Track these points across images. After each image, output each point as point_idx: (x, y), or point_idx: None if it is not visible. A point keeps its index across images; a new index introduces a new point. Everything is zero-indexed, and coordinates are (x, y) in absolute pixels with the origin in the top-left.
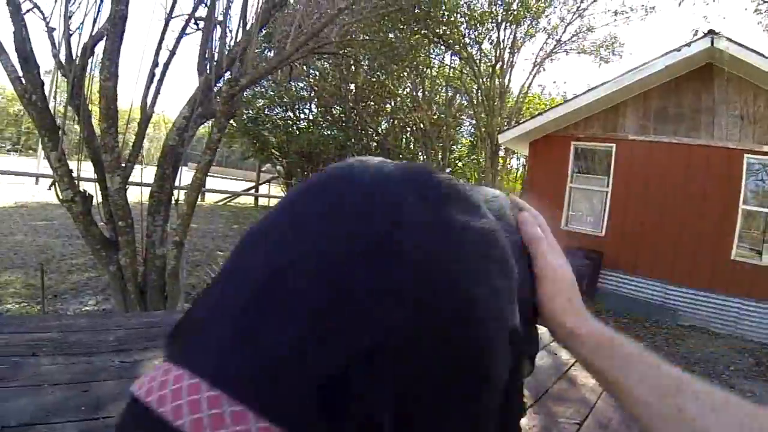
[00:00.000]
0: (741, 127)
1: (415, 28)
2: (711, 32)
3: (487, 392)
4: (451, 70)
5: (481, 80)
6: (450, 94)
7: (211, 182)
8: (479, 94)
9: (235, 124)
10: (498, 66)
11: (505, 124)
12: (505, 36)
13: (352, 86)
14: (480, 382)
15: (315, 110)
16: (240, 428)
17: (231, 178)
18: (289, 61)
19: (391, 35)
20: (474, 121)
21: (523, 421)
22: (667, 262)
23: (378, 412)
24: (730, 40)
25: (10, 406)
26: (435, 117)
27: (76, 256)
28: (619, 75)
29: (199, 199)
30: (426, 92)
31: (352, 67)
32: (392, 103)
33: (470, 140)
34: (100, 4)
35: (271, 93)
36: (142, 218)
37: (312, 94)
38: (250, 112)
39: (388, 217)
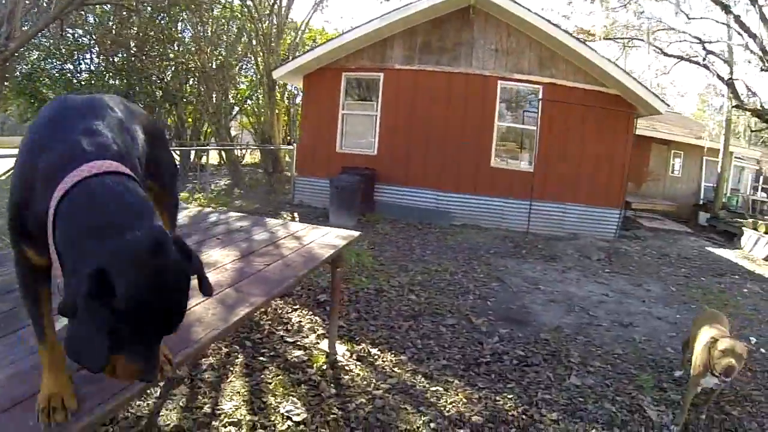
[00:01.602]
0: (496, 58)
1: None
2: None
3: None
4: (230, 12)
5: (259, 20)
6: (234, 36)
7: None
8: (259, 34)
9: (8, 84)
10: (275, 5)
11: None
12: None
13: (134, 32)
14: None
15: (97, 60)
16: None
17: (11, 147)
18: (59, 17)
19: None
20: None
21: (226, 276)
22: (435, 173)
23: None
24: None
25: None
26: (220, 59)
27: None
28: (386, 12)
29: None
30: (207, 35)
31: (132, 12)
32: (175, 48)
33: (253, 79)
34: None
35: (47, 44)
36: None
37: (93, 42)
38: (24, 68)
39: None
